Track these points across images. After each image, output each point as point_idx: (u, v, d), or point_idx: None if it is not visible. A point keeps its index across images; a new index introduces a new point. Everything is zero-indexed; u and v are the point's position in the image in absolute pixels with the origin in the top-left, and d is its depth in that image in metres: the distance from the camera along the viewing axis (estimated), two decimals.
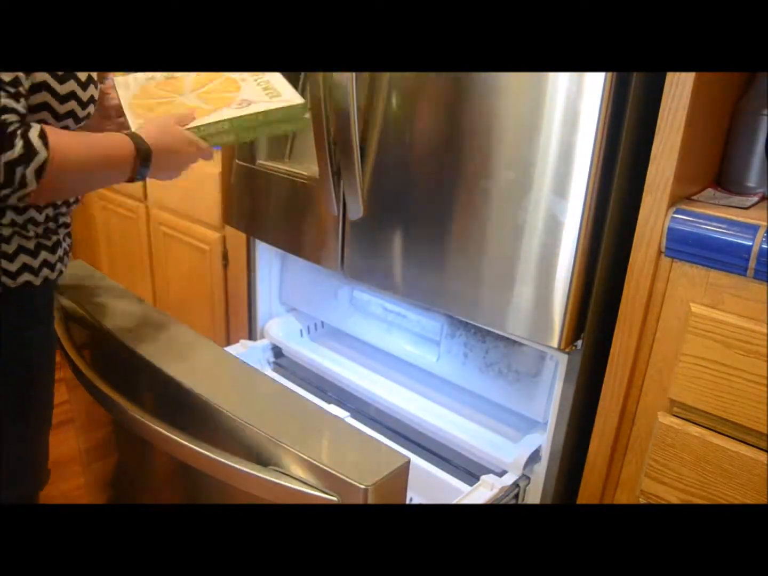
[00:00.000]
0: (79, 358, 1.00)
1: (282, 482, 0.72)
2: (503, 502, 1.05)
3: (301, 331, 1.47)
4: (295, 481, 0.71)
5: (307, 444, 0.72)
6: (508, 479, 1.07)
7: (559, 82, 0.82)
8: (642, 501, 0.97)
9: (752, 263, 0.79)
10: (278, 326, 1.45)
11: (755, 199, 0.89)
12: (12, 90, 0.73)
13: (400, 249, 1.05)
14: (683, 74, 0.79)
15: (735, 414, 0.84)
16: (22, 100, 0.74)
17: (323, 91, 1.00)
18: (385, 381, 1.29)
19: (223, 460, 0.76)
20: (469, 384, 1.20)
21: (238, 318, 1.57)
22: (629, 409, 0.95)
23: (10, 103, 0.71)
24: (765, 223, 0.79)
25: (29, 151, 0.70)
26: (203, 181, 1.56)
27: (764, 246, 0.78)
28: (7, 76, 0.73)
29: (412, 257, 1.04)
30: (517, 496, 1.08)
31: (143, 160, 0.84)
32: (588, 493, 1.03)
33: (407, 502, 0.80)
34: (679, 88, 0.79)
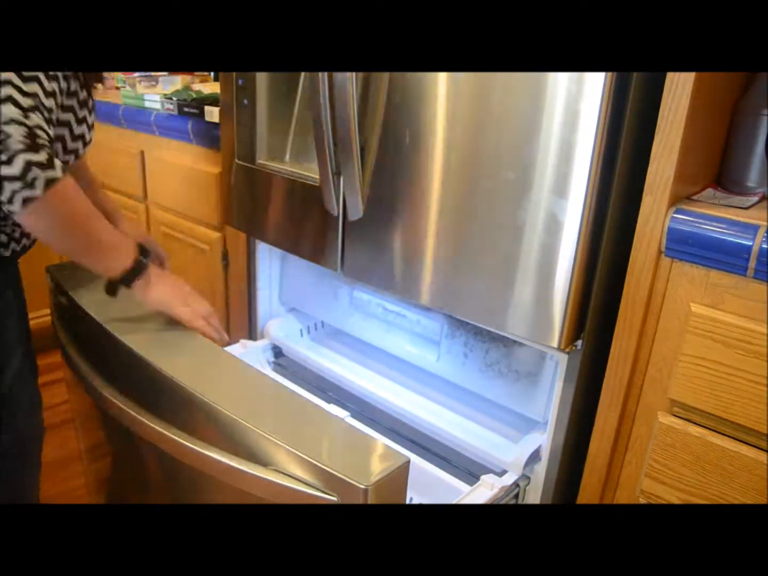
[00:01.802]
0: (79, 358, 1.00)
1: (282, 482, 0.72)
2: (503, 502, 1.05)
3: (301, 331, 1.47)
4: (294, 480, 0.71)
5: (307, 444, 0.72)
6: (508, 479, 1.07)
7: (559, 82, 0.82)
8: (642, 501, 0.97)
9: (752, 263, 0.79)
10: (278, 326, 1.45)
11: (755, 199, 0.89)
12: (46, 115, 0.80)
13: (400, 249, 1.05)
14: (683, 74, 0.79)
15: (735, 414, 0.84)
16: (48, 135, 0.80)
17: (323, 91, 1.00)
18: (385, 381, 1.29)
19: (223, 459, 0.76)
20: (469, 384, 1.20)
21: (238, 318, 1.57)
22: (629, 409, 0.95)
23: (43, 125, 0.78)
24: (765, 223, 0.79)
25: (49, 163, 0.77)
26: (203, 181, 1.56)
27: (764, 246, 0.78)
28: (47, 102, 0.81)
29: (412, 257, 1.04)
30: (517, 496, 1.08)
31: (134, 272, 0.90)
32: (588, 493, 1.03)
33: (407, 502, 0.80)
34: (679, 88, 0.79)
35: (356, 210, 1.08)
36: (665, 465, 0.92)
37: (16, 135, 0.74)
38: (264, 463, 0.75)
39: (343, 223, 1.12)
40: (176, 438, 0.80)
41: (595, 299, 0.93)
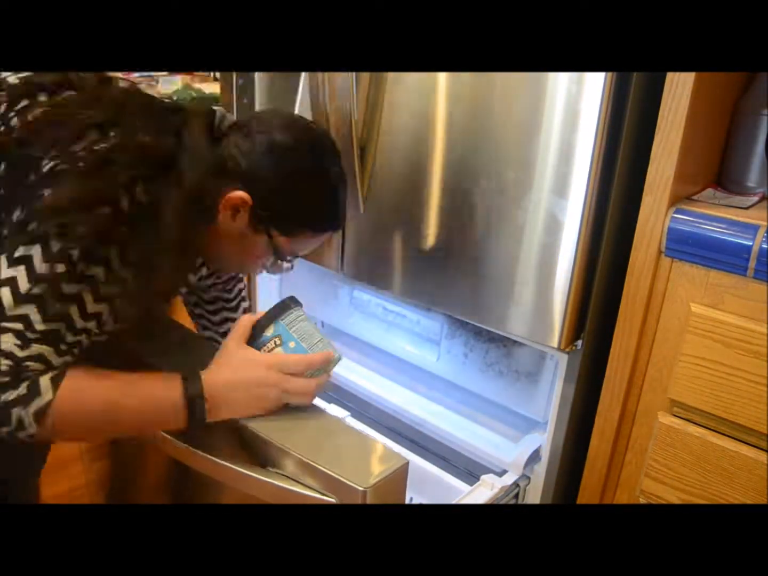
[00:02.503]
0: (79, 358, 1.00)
1: (280, 484, 0.72)
2: (503, 502, 1.05)
3: None
4: (293, 482, 0.71)
5: (306, 445, 0.72)
6: (508, 479, 1.07)
7: (559, 82, 0.82)
8: (642, 501, 0.97)
9: (752, 263, 0.78)
10: None
11: (755, 199, 0.89)
12: (64, 347, 0.69)
13: (400, 249, 1.05)
14: (683, 74, 0.79)
15: (735, 414, 0.84)
16: (69, 354, 0.70)
17: (323, 91, 1.00)
18: (385, 381, 1.28)
19: (221, 461, 0.76)
20: (469, 384, 1.20)
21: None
22: (629, 409, 0.95)
23: (46, 352, 0.67)
24: (765, 223, 0.79)
25: (32, 392, 0.66)
26: None
27: (764, 246, 0.78)
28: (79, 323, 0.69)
29: (412, 257, 1.04)
30: (517, 495, 1.08)
31: (195, 410, 0.73)
32: (588, 493, 1.03)
33: (407, 502, 0.80)
34: (679, 88, 0.79)
35: (356, 210, 1.07)
36: (665, 465, 0.92)
37: None
38: (263, 464, 0.75)
39: (344, 223, 1.12)
40: (175, 440, 0.80)
41: (595, 299, 0.93)
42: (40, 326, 0.66)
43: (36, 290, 0.66)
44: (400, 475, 0.69)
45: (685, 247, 0.83)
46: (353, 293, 1.34)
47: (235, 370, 0.76)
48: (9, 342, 0.65)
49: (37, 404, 0.66)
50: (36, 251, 0.67)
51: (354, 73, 0.97)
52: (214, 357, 0.78)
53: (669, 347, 0.88)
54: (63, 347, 0.69)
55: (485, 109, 0.89)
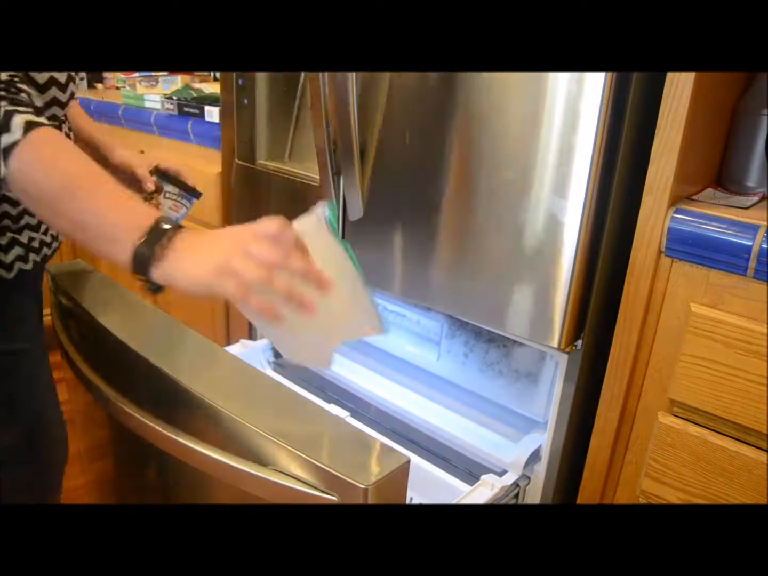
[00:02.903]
0: (79, 358, 1.00)
1: (281, 482, 0.72)
2: (503, 502, 1.05)
3: None
4: (294, 480, 0.71)
5: (307, 444, 0.72)
6: (509, 479, 1.07)
7: (559, 82, 0.82)
8: (642, 501, 0.97)
9: (752, 263, 0.79)
10: None
11: (755, 199, 0.89)
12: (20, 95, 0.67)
13: (400, 249, 1.05)
14: (683, 74, 0.79)
15: (735, 414, 0.84)
16: (30, 102, 0.68)
17: (323, 91, 1.00)
18: (385, 381, 1.29)
19: (222, 459, 0.76)
20: (469, 384, 1.20)
21: (238, 318, 1.57)
22: (629, 409, 0.95)
23: (25, 97, 0.66)
24: (765, 223, 0.79)
25: (2, 126, 0.62)
26: (203, 181, 1.56)
27: (764, 246, 0.78)
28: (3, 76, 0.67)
29: (412, 257, 1.04)
30: (517, 495, 1.08)
31: (153, 235, 0.61)
32: (588, 493, 1.03)
33: (407, 502, 0.80)
34: (679, 88, 0.79)
35: (356, 210, 1.07)
36: (665, 465, 0.92)
37: None
38: (264, 462, 0.75)
39: (343, 223, 1.12)
40: (176, 438, 0.80)
41: (595, 299, 0.93)
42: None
43: None
44: (401, 473, 0.69)
45: (685, 247, 0.83)
46: None
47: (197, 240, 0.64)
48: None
49: (5, 140, 0.62)
50: None
51: (354, 73, 0.97)
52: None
53: (669, 347, 0.88)
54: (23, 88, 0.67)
55: (485, 109, 0.90)
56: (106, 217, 0.63)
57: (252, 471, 0.74)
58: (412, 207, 1.01)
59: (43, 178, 0.63)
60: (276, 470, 0.73)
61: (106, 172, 0.66)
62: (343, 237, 1.13)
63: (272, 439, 0.73)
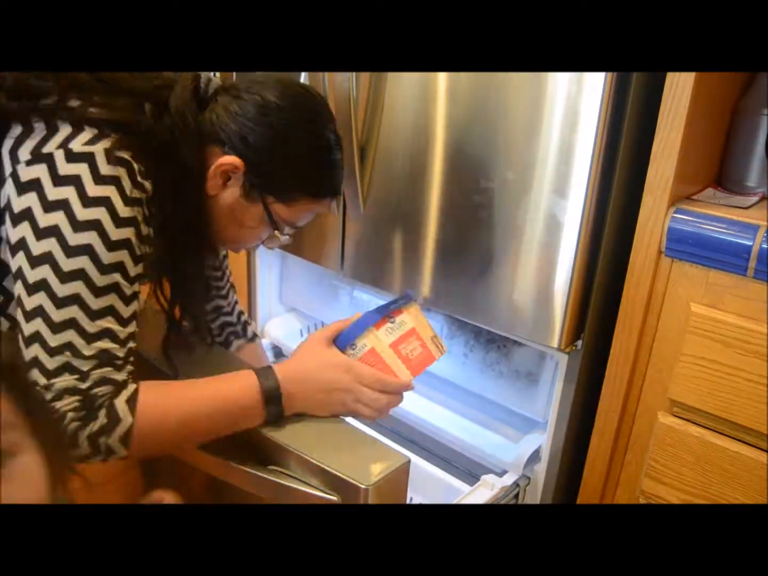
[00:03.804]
0: None
1: (282, 482, 0.72)
2: (503, 502, 1.05)
3: (301, 331, 1.47)
4: (295, 480, 0.71)
5: (307, 444, 0.72)
6: (509, 479, 1.07)
7: (559, 82, 0.82)
8: (642, 501, 0.97)
9: (752, 263, 0.78)
10: (278, 326, 1.45)
11: (755, 198, 0.89)
12: (120, 356, 0.67)
13: (400, 249, 1.05)
14: (683, 74, 0.79)
15: (735, 414, 0.84)
16: (128, 364, 0.69)
17: (323, 91, 1.00)
18: None
19: (223, 459, 0.76)
20: (469, 384, 1.20)
21: None
22: (629, 409, 0.95)
23: (110, 373, 0.66)
24: (765, 223, 0.79)
25: (112, 419, 0.65)
26: None
27: (764, 246, 0.78)
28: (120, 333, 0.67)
29: (412, 257, 1.04)
30: (517, 496, 1.08)
31: (273, 402, 0.73)
32: (588, 493, 1.03)
33: (407, 502, 0.80)
34: (679, 88, 0.79)
35: (356, 210, 1.08)
36: (665, 465, 0.92)
37: (70, 411, 0.63)
38: (264, 462, 0.75)
39: (343, 223, 1.12)
40: None
41: (595, 299, 0.93)
42: (86, 351, 0.65)
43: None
44: (401, 473, 0.70)
45: (685, 246, 0.83)
46: (353, 293, 1.34)
47: (309, 365, 0.76)
48: (67, 379, 0.64)
49: (121, 429, 0.65)
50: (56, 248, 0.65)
51: (354, 73, 0.97)
52: (292, 351, 0.78)
53: (669, 347, 0.88)
54: (119, 362, 0.67)
55: (485, 109, 0.90)
56: (228, 411, 0.73)
57: (253, 471, 0.74)
58: (412, 207, 1.01)
59: (165, 432, 0.70)
60: (276, 470, 0.73)
61: (198, 380, 0.74)
62: (343, 237, 1.13)
63: (272, 438, 0.73)
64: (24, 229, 0.65)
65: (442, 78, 0.93)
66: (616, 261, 0.92)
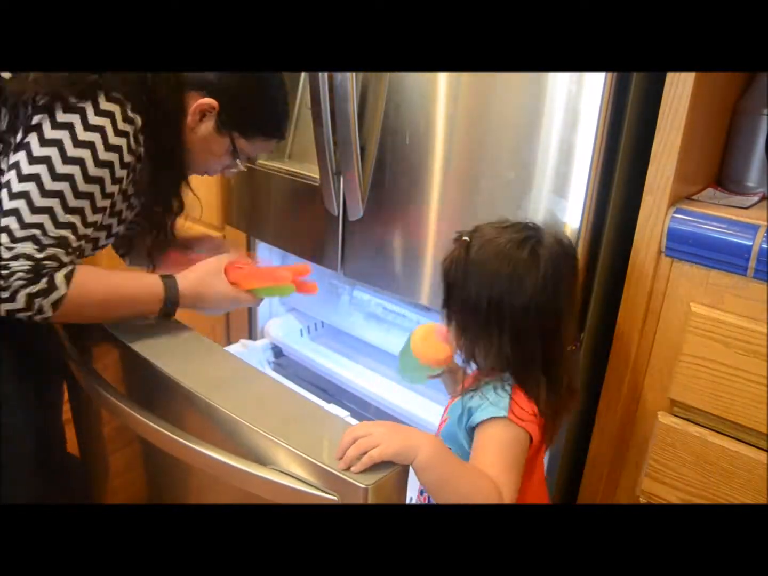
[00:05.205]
0: (80, 359, 1.00)
1: (282, 481, 0.72)
2: None
3: (301, 330, 1.47)
4: (294, 480, 0.71)
5: (307, 443, 0.72)
6: None
7: (559, 82, 0.82)
8: (642, 501, 0.97)
9: (752, 263, 0.78)
10: (278, 326, 1.45)
11: (755, 199, 0.89)
12: (74, 246, 0.84)
13: (400, 249, 1.05)
14: (683, 74, 0.79)
15: (735, 414, 0.84)
16: (76, 253, 0.85)
17: (323, 91, 1.00)
18: (385, 381, 1.28)
19: (223, 459, 0.76)
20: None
21: (238, 318, 1.56)
22: (629, 409, 0.95)
23: (59, 253, 0.82)
24: (765, 223, 0.79)
25: (51, 286, 0.81)
26: (203, 181, 1.56)
27: (764, 246, 0.78)
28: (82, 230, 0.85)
29: (412, 257, 1.04)
30: None
31: (170, 305, 0.94)
32: (588, 493, 1.03)
33: (407, 502, 0.80)
34: (679, 88, 0.79)
35: (356, 210, 1.08)
36: (665, 465, 0.92)
37: (20, 270, 0.79)
38: (264, 462, 0.75)
39: (343, 223, 1.12)
40: (177, 437, 0.80)
41: (595, 299, 0.93)
42: (53, 233, 0.81)
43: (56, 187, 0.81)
44: (401, 473, 0.69)
45: (685, 247, 0.83)
46: (353, 293, 1.34)
47: (205, 285, 0.97)
48: (28, 247, 0.80)
49: (55, 296, 0.82)
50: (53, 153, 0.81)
51: (354, 73, 0.97)
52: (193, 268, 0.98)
53: (669, 347, 0.88)
54: (70, 249, 0.84)
55: (485, 109, 0.90)
56: (136, 302, 0.93)
57: (252, 470, 0.74)
58: (412, 207, 1.01)
59: (88, 305, 0.88)
60: (276, 470, 0.73)
61: (120, 272, 0.93)
62: (343, 237, 1.13)
63: (272, 438, 0.73)
64: (31, 137, 0.82)
65: (442, 78, 0.93)
66: (616, 261, 0.92)
